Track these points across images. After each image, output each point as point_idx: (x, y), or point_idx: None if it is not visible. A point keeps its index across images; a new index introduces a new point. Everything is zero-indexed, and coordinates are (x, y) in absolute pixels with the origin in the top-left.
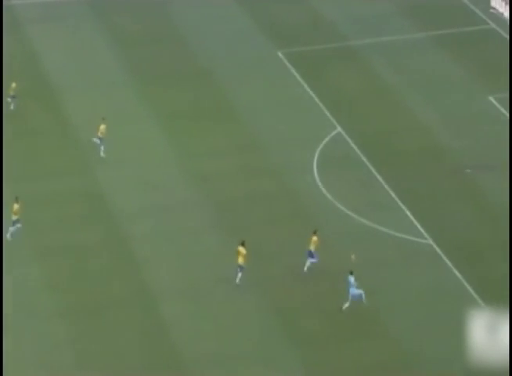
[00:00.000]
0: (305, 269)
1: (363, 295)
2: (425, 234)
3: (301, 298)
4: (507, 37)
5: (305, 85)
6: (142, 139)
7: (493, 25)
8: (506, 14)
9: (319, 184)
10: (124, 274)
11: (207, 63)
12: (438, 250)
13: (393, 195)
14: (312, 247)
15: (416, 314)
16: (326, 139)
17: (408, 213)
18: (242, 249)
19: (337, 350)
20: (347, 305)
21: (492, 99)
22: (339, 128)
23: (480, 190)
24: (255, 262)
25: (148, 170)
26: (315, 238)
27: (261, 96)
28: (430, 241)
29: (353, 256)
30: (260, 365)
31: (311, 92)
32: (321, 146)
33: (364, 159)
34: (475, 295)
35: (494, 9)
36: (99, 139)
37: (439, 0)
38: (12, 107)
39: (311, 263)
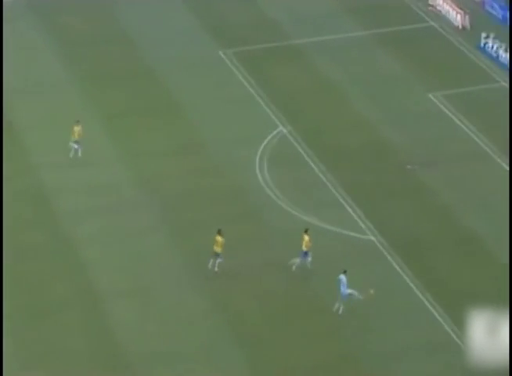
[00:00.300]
0: (294, 268)
1: (355, 294)
2: (368, 231)
3: (247, 297)
4: (446, 34)
5: (248, 84)
6: (86, 140)
7: (432, 22)
8: (444, 11)
9: (262, 183)
10: (69, 276)
11: (150, 62)
12: (380, 246)
13: (336, 192)
14: (305, 247)
15: (359, 310)
16: (269, 138)
17: (351, 210)
18: (219, 238)
19: (283, 349)
20: (341, 306)
21: (431, 96)
22: (282, 127)
23: (421, 186)
24: (200, 261)
25: (93, 171)
26: (306, 237)
27: (205, 96)
28: (373, 238)
29: (372, 291)
30: (206, 365)
31: (254, 91)
32: (264, 144)
33: (307, 157)
34: (417, 291)
35: (432, 6)
36: (76, 141)
37: None
38: None
39: (301, 262)
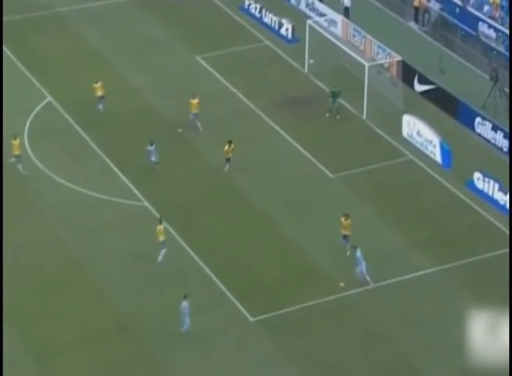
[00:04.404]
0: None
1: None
2: (141, 197)
3: (19, 274)
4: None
5: (11, 55)
6: None
7: None
8: None
9: (32, 155)
10: None
11: None
12: (154, 211)
13: (108, 160)
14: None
15: (128, 277)
16: (37, 109)
17: (123, 177)
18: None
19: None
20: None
21: (199, 58)
22: (49, 97)
23: (192, 149)
24: None
25: None
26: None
27: None
28: (146, 203)
29: (342, 284)
30: None
31: (17, 62)
32: (32, 116)
33: (77, 127)
34: (190, 251)
35: None
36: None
37: None
38: None
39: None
